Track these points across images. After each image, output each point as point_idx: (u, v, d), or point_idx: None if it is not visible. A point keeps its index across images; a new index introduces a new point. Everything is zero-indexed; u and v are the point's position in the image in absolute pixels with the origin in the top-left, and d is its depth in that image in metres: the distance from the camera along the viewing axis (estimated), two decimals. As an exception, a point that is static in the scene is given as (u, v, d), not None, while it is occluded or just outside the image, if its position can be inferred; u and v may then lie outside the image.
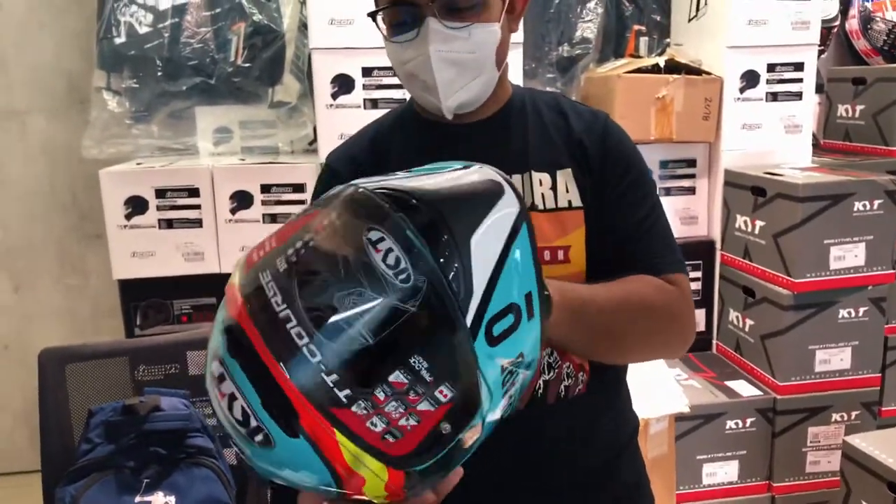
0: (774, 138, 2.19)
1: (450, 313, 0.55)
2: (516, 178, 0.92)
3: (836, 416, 2.05)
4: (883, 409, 2.23)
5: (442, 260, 0.55)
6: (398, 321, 0.53)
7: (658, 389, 1.87)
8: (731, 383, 2.08)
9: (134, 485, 1.16)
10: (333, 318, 0.53)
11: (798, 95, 2.18)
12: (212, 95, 2.13)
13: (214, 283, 1.98)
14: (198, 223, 1.97)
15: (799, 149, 2.22)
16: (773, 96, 2.17)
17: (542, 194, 0.91)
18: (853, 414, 2.06)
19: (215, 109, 2.16)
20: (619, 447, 1.01)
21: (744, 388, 2.05)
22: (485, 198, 0.62)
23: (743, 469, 2.05)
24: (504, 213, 0.61)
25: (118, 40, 2.02)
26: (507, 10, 0.91)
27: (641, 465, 1.06)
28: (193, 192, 1.97)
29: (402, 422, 0.54)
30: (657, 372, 1.94)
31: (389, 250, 0.55)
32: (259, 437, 0.55)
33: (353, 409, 0.53)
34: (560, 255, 0.90)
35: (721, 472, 2.04)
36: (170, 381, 1.39)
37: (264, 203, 1.97)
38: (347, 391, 0.53)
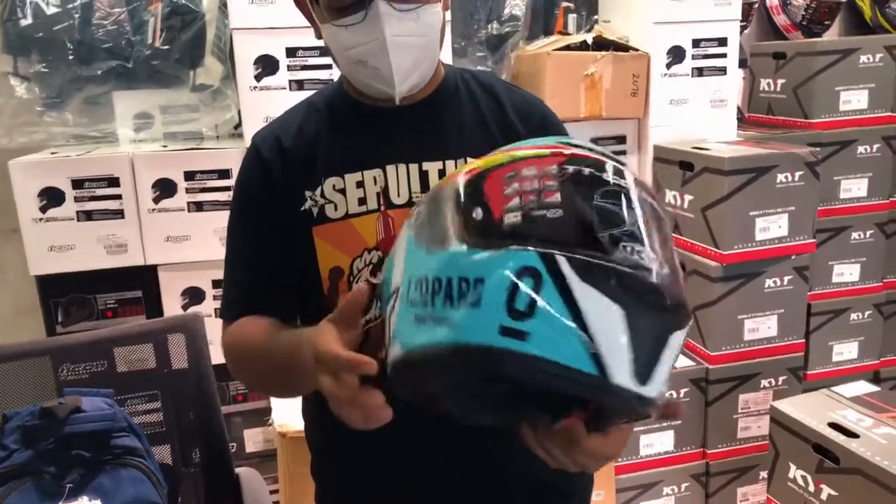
0: (701, 113, 2.22)
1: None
2: (450, 164, 0.91)
3: (764, 383, 2.12)
4: (808, 373, 2.31)
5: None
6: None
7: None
8: (665, 355, 2.13)
9: (56, 491, 1.10)
10: None
11: (722, 70, 2.22)
12: (130, 79, 2.03)
13: (139, 276, 1.90)
14: (119, 214, 1.88)
15: (724, 123, 2.26)
16: (699, 71, 2.20)
17: None
18: (780, 379, 2.13)
19: (134, 94, 2.06)
20: None
21: (678, 360, 2.10)
22: None
23: (678, 438, 2.10)
24: None
25: (24, 22, 1.90)
26: None
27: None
28: (113, 182, 1.88)
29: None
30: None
31: None
32: None
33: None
34: None
35: (658, 442, 2.08)
36: (96, 379, 1.32)
37: (188, 191, 1.90)
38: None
